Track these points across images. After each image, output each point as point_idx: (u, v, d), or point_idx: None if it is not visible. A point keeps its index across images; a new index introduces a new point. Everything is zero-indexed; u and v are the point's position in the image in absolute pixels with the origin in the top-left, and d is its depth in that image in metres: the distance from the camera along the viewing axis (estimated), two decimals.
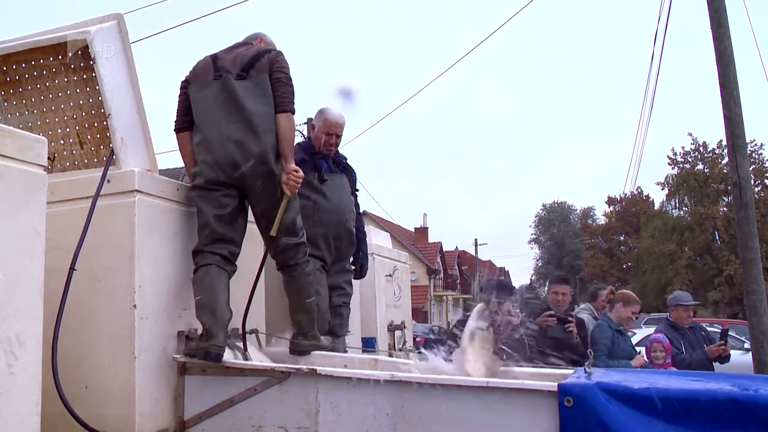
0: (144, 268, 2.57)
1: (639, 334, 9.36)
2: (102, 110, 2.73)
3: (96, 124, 2.81)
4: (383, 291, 4.99)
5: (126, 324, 2.50)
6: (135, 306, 2.51)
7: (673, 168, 34.73)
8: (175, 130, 3.04)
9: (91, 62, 2.67)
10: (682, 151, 34.29)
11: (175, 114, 3.03)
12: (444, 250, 43.16)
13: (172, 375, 2.66)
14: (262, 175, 2.83)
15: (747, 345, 9.34)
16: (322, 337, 3.17)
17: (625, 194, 37.79)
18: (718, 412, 2.00)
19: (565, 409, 2.11)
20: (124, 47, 2.78)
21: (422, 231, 43.32)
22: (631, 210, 40.99)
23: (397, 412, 2.36)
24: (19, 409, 1.84)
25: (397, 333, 5.13)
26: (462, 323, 4.35)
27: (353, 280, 4.03)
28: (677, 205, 35.94)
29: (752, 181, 11.67)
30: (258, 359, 2.92)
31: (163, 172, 3.03)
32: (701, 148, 33.96)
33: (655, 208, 38.95)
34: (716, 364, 4.98)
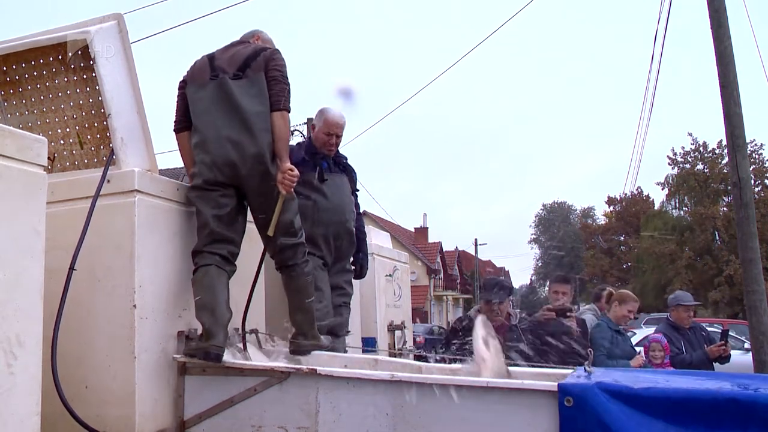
0: (144, 268, 2.56)
1: (639, 334, 9.36)
2: (102, 110, 2.72)
3: (96, 124, 2.80)
4: (383, 291, 4.99)
5: (126, 324, 2.50)
6: (135, 306, 2.51)
7: (673, 168, 34.78)
8: (174, 131, 3.04)
9: (91, 62, 2.67)
10: (682, 151, 34.32)
11: (175, 114, 3.03)
12: (444, 250, 43.19)
13: (172, 375, 2.66)
14: (258, 174, 2.82)
15: (747, 345, 9.34)
16: (322, 337, 3.17)
17: (625, 194, 37.85)
18: (719, 412, 2.00)
19: (565, 409, 2.11)
20: (124, 47, 2.78)
21: (422, 231, 43.34)
22: (631, 210, 40.96)
23: (397, 412, 2.35)
24: (19, 409, 1.84)
25: (397, 333, 5.14)
26: (461, 321, 4.36)
27: (353, 280, 4.03)
28: (677, 205, 35.94)
29: (752, 181, 11.66)
30: (258, 359, 2.92)
31: (163, 172, 3.03)
32: (701, 148, 33.95)
33: (655, 208, 38.94)
34: (716, 364, 4.98)
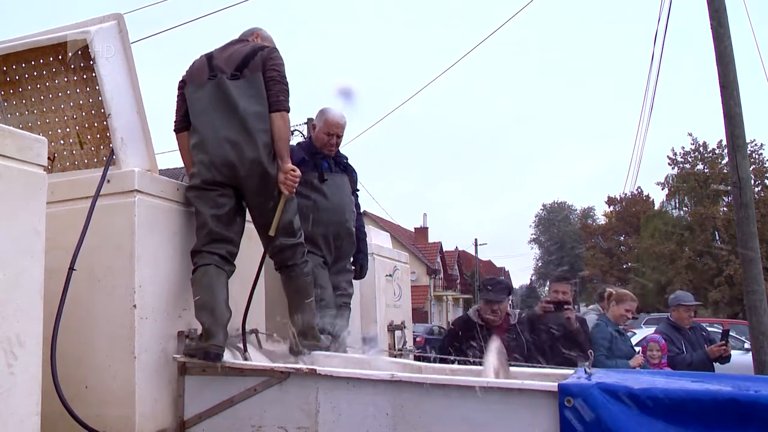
0: (144, 268, 2.56)
1: (639, 334, 9.35)
2: (102, 110, 2.72)
3: (96, 124, 2.80)
4: (383, 291, 4.98)
5: (126, 324, 2.50)
6: (135, 306, 2.51)
7: (673, 168, 34.78)
8: (174, 131, 3.04)
9: (91, 62, 2.67)
10: (682, 151, 34.33)
11: (174, 114, 3.03)
12: (444, 250, 43.19)
13: (172, 375, 2.66)
14: (257, 175, 2.82)
15: (747, 345, 9.33)
16: (322, 337, 3.17)
17: (625, 194, 37.83)
18: (718, 413, 1.99)
19: (566, 410, 2.11)
20: (124, 47, 2.78)
21: (422, 231, 43.35)
22: (631, 210, 40.95)
23: (397, 412, 2.35)
24: (19, 409, 1.83)
25: (397, 333, 5.13)
26: (460, 320, 4.36)
27: (353, 280, 4.03)
28: (677, 205, 35.94)
29: (752, 181, 11.67)
30: (258, 359, 2.92)
31: (163, 172, 3.03)
32: (701, 148, 33.96)
33: (655, 208, 38.93)
34: (716, 365, 4.98)
